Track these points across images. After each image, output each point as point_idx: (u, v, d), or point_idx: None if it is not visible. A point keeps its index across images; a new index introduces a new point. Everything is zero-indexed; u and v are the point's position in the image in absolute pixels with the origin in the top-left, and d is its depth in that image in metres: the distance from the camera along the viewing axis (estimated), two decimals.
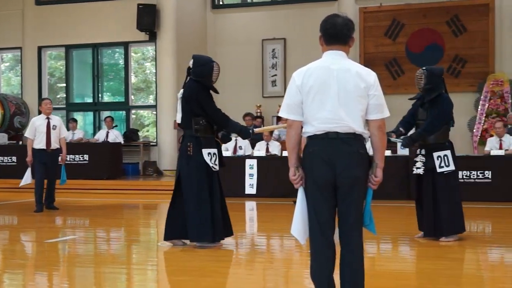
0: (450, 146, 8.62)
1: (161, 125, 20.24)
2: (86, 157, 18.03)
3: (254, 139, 16.30)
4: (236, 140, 15.98)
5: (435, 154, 8.47)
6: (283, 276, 6.92)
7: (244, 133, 8.63)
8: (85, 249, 8.77)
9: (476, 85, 18.55)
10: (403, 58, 19.07)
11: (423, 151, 8.63)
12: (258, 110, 20.02)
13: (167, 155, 19.88)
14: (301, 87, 4.63)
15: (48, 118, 12.91)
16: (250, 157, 15.40)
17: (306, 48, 20.34)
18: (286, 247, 8.89)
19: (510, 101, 17.86)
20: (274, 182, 14.90)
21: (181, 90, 8.40)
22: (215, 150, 8.27)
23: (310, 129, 4.60)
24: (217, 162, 8.25)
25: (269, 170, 15.06)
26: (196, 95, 8.22)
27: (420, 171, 8.58)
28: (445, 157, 8.47)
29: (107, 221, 11.62)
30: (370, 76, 4.60)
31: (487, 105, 18.06)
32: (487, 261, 7.75)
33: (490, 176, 13.69)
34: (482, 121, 17.95)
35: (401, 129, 8.72)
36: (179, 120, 8.44)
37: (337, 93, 4.53)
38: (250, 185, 15.15)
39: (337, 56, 4.67)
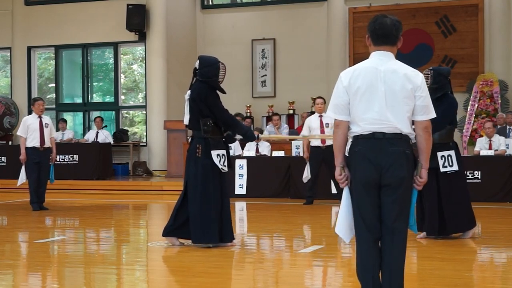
0: (454, 147, 8.63)
1: (151, 125, 20.22)
2: (75, 157, 17.99)
3: (244, 139, 16.28)
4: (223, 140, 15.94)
5: (439, 154, 8.44)
6: (272, 276, 6.92)
7: (249, 136, 8.64)
8: (74, 250, 8.76)
9: (466, 85, 18.60)
10: None
11: None
12: (248, 111, 20.02)
13: (157, 155, 19.86)
14: (348, 87, 4.67)
15: (40, 117, 12.94)
16: (240, 157, 15.40)
17: (295, 49, 20.39)
18: (276, 247, 8.90)
19: (500, 101, 17.92)
20: (264, 183, 14.91)
21: (188, 92, 8.34)
22: (224, 152, 8.26)
23: (356, 129, 4.66)
24: (225, 164, 8.24)
25: (259, 170, 15.06)
26: (203, 96, 8.19)
27: None
28: (449, 157, 8.48)
29: (97, 221, 11.61)
30: (417, 77, 4.65)
31: (477, 105, 18.11)
32: (477, 261, 7.78)
33: (479, 177, 13.72)
34: (472, 122, 18.00)
35: None
36: (186, 122, 8.39)
37: (384, 94, 4.59)
38: (240, 185, 15.14)
39: (385, 57, 4.70)
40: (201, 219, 8.03)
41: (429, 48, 18.72)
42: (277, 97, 20.56)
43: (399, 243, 4.63)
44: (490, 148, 14.48)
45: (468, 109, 18.17)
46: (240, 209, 13.72)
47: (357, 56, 19.60)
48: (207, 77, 8.26)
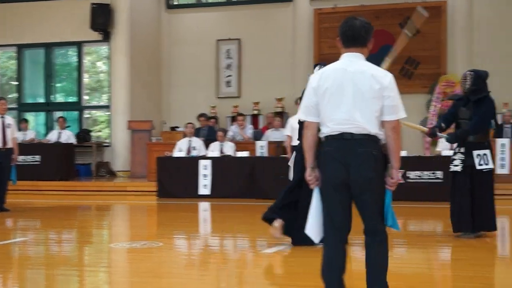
0: (489, 146, 8.86)
1: (114, 126, 20.09)
2: (38, 158, 17.80)
3: (209, 140, 16.27)
4: (190, 140, 15.93)
5: (475, 153, 8.68)
6: (236, 277, 6.91)
7: None
8: (36, 251, 8.65)
9: (429, 86, 18.77)
10: None
11: (462, 149, 8.79)
12: (213, 111, 19.98)
13: (121, 155, 19.74)
14: (317, 89, 4.70)
15: (2, 116, 12.75)
16: (204, 157, 15.36)
17: (261, 49, 20.40)
18: (240, 247, 8.89)
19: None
20: (228, 183, 14.89)
21: None
22: None
23: (325, 130, 4.68)
24: None
25: (223, 170, 15.05)
26: None
27: (458, 168, 8.75)
28: (485, 156, 8.71)
29: (60, 222, 11.49)
30: (385, 77, 4.67)
31: (439, 106, 18.28)
32: (438, 260, 7.85)
33: (441, 176, 13.84)
34: (434, 122, 18.16)
35: (442, 124, 8.92)
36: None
37: (352, 95, 4.61)
38: (204, 185, 15.11)
39: (354, 58, 4.73)
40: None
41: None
42: (242, 97, 20.56)
43: (378, 242, 4.65)
44: (451, 149, 14.61)
45: (431, 110, 18.34)
46: (204, 209, 13.69)
47: (323, 56, 19.65)
48: None
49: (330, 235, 4.70)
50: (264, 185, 14.59)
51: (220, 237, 9.74)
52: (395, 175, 4.66)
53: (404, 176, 13.69)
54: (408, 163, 13.59)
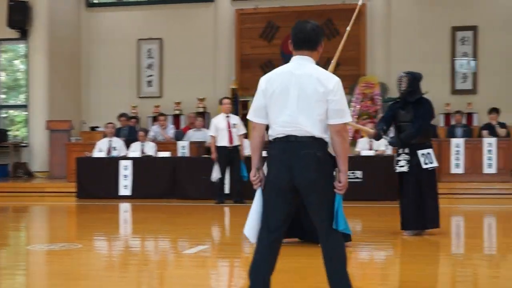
0: (431, 145, 9.07)
1: (32, 125, 19.70)
2: None
3: (129, 140, 16.12)
4: (110, 141, 15.73)
5: (420, 152, 8.87)
6: (157, 278, 6.87)
7: None
8: None
9: (348, 88, 19.05)
10: (278, 60, 19.34)
11: (406, 150, 8.93)
12: (134, 111, 19.81)
13: (39, 156, 19.36)
14: (265, 91, 4.72)
15: None
16: (125, 158, 15.21)
17: (182, 49, 20.34)
18: (161, 248, 8.84)
19: (380, 103, 18.45)
20: (150, 183, 14.78)
21: None
22: None
23: (271, 132, 4.71)
24: None
25: (144, 171, 14.92)
26: None
27: (405, 168, 8.90)
28: (429, 155, 8.91)
29: None
30: (330, 81, 4.66)
31: (359, 107, 18.58)
32: (357, 259, 7.94)
33: (361, 176, 14.06)
34: (354, 123, 18.44)
35: (384, 127, 9.05)
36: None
37: (296, 98, 4.62)
38: (125, 186, 14.95)
39: (303, 61, 4.73)
40: None
41: None
42: (163, 97, 20.47)
43: (332, 243, 4.68)
44: (370, 149, 14.90)
45: (351, 111, 18.61)
46: (125, 210, 13.56)
47: (244, 57, 19.74)
48: None
49: (263, 236, 4.72)
50: (186, 186, 14.55)
51: (141, 238, 9.66)
52: (343, 179, 4.69)
53: None
54: None
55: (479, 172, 15.03)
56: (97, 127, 19.61)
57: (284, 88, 4.66)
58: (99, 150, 15.58)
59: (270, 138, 4.75)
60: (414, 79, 8.98)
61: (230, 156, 13.59)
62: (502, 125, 15.64)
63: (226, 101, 14.03)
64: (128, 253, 8.37)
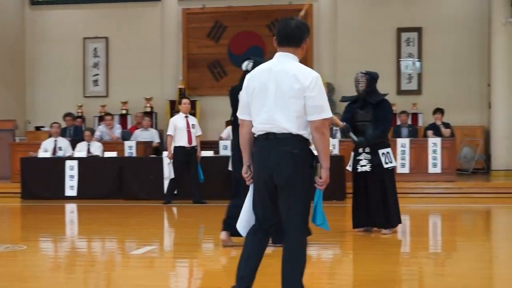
0: (389, 144, 9.20)
1: None
2: None
3: (75, 140, 15.94)
4: (55, 140, 15.53)
5: (380, 151, 8.95)
6: (104, 279, 6.81)
7: None
8: None
9: None
10: (225, 59, 19.39)
11: (367, 149, 8.96)
12: (79, 110, 19.60)
13: None
14: (247, 88, 4.77)
15: None
16: (71, 158, 15.04)
17: (129, 48, 20.19)
18: (108, 249, 8.77)
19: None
20: (96, 184, 14.63)
21: None
22: None
23: (254, 130, 4.76)
24: None
25: (90, 171, 14.77)
26: None
27: (367, 168, 8.94)
28: (388, 154, 9.02)
29: None
30: (307, 77, 4.65)
31: None
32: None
33: None
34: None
35: (348, 126, 9.08)
36: None
37: (274, 95, 4.65)
38: (71, 187, 14.78)
39: (284, 58, 4.75)
40: None
41: (260, 50, 19.06)
42: (110, 96, 20.30)
43: (291, 240, 4.73)
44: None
45: None
46: (71, 211, 13.41)
47: (191, 56, 19.70)
48: None
49: (251, 229, 4.83)
50: (133, 186, 14.45)
51: (88, 239, 9.57)
52: (324, 175, 4.73)
53: None
54: None
55: (424, 172, 15.25)
56: (42, 126, 19.36)
57: (263, 85, 4.70)
58: (45, 150, 15.38)
59: (255, 136, 4.80)
60: (372, 79, 9.06)
61: (187, 156, 13.51)
62: (447, 125, 15.88)
63: (185, 101, 13.96)
64: (74, 254, 8.29)
